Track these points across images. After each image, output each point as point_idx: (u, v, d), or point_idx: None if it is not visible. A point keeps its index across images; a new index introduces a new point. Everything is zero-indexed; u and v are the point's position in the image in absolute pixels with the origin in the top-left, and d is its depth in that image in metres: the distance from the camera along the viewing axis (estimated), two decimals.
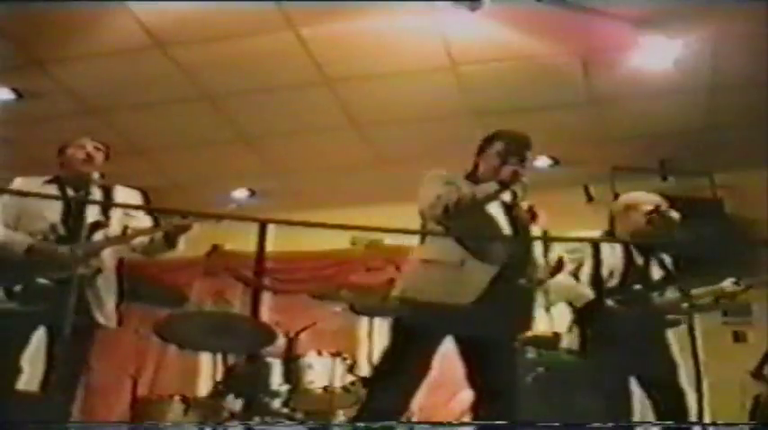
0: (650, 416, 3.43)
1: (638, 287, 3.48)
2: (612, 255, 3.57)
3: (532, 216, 3.10)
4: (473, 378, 3.00)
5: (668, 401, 3.31)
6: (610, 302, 3.45)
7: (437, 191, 3.01)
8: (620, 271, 3.53)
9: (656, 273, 3.53)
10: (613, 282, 3.51)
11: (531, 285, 3.05)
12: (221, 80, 5.26)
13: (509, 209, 3.10)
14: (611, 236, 3.72)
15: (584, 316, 3.46)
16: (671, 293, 3.51)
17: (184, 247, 3.45)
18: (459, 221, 2.99)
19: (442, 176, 3.13)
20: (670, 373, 3.34)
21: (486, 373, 2.97)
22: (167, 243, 3.40)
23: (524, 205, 3.13)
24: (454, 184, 3.06)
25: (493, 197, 3.00)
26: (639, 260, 3.58)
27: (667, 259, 3.61)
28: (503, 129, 3.27)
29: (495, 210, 3.07)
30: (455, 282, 2.93)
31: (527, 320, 3.10)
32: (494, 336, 2.91)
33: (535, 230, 3.15)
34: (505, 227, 3.06)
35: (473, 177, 3.14)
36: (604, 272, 3.52)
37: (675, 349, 3.47)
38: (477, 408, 2.99)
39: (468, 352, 3.00)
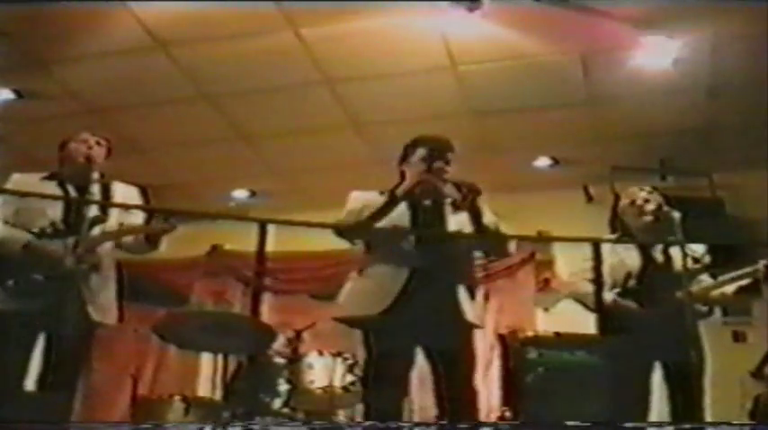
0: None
1: (661, 282, 3.45)
2: (629, 256, 3.56)
3: (458, 204, 3.11)
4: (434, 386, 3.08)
5: (688, 397, 3.29)
6: (629, 302, 3.45)
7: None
8: (637, 270, 3.52)
9: (680, 265, 3.47)
10: (632, 282, 3.50)
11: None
12: (221, 80, 5.26)
13: (418, 216, 3.16)
14: (616, 235, 3.71)
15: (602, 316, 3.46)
16: (697, 284, 3.48)
17: (176, 243, 3.47)
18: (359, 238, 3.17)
19: (361, 204, 3.21)
20: (698, 368, 3.31)
21: (440, 380, 3.04)
22: (149, 243, 3.41)
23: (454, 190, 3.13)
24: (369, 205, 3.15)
25: (384, 210, 3.10)
26: (659, 257, 3.56)
27: (697, 249, 3.57)
28: (423, 134, 3.32)
29: (401, 217, 3.13)
30: (367, 293, 3.05)
31: (457, 320, 3.11)
32: (425, 342, 3.02)
33: (460, 220, 3.16)
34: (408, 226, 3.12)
35: (396, 188, 3.21)
36: (621, 272, 3.52)
37: (706, 343, 3.46)
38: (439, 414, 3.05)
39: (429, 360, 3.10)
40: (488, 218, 3.14)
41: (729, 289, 3.47)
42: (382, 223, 3.08)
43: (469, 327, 3.15)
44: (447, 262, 3.10)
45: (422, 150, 3.19)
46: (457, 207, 3.11)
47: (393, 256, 3.06)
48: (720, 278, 3.49)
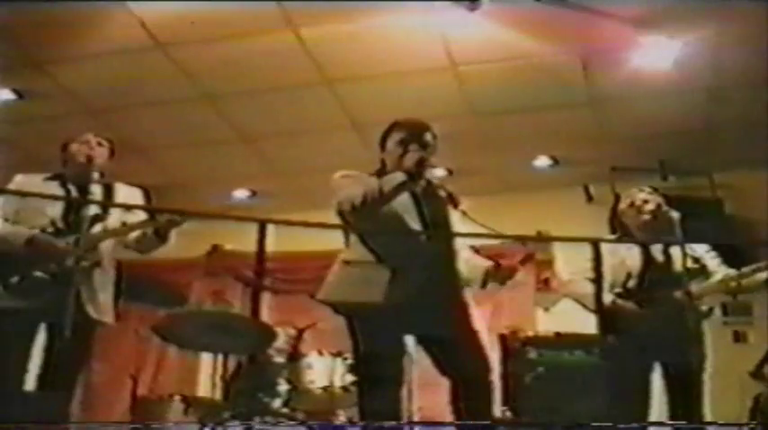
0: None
1: (662, 282, 3.45)
2: (629, 256, 3.56)
3: (453, 203, 3.03)
4: (443, 371, 3.00)
5: (688, 398, 3.29)
6: (630, 302, 3.45)
7: (359, 189, 2.95)
8: (637, 270, 3.52)
9: (680, 265, 3.40)
10: (632, 283, 3.50)
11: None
12: (221, 80, 5.26)
13: (420, 202, 3.02)
14: (615, 235, 3.71)
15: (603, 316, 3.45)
16: (698, 283, 3.48)
17: (176, 242, 3.43)
18: (367, 219, 2.97)
19: (356, 175, 3.09)
20: (698, 368, 3.30)
21: (449, 367, 2.97)
22: (158, 238, 3.39)
23: (443, 192, 3.04)
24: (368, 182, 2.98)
25: (401, 188, 2.91)
26: (660, 257, 3.56)
27: (698, 249, 3.57)
28: (400, 119, 3.20)
29: (404, 204, 2.99)
30: (367, 281, 2.91)
31: (461, 314, 3.03)
32: (441, 333, 2.91)
33: (454, 216, 3.08)
34: (415, 223, 2.99)
35: (381, 174, 3.06)
36: (622, 272, 3.52)
37: (707, 343, 3.46)
38: (454, 399, 2.96)
39: (430, 350, 3.01)
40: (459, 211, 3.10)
41: (762, 276, 3.46)
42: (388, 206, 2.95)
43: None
44: (453, 252, 3.05)
45: (397, 134, 3.13)
46: (453, 204, 3.04)
47: (405, 242, 2.99)
48: (748, 268, 3.48)
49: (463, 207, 3.07)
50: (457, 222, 3.11)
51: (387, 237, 3.02)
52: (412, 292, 2.86)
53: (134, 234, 3.43)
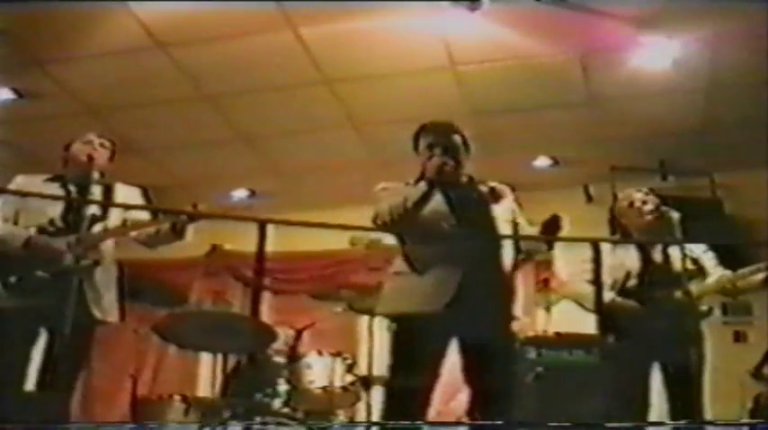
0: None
1: (661, 282, 3.45)
2: (628, 256, 3.55)
3: (495, 198, 3.04)
4: (470, 378, 2.98)
5: (687, 397, 3.28)
6: (629, 302, 3.45)
7: (387, 205, 2.95)
8: (637, 270, 3.52)
9: (679, 266, 3.40)
10: (632, 283, 3.50)
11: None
12: (221, 80, 5.26)
13: (454, 205, 3.00)
14: (614, 235, 3.72)
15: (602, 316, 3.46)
16: (696, 284, 3.48)
17: (191, 239, 3.44)
18: (400, 232, 2.97)
19: (394, 188, 3.08)
20: (697, 367, 3.30)
21: (482, 374, 2.95)
22: (175, 233, 3.39)
23: (485, 187, 3.05)
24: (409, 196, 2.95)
25: (425, 199, 2.91)
26: (659, 257, 3.56)
27: (696, 250, 3.58)
28: (429, 122, 3.17)
29: (439, 210, 2.97)
30: (422, 290, 2.89)
31: (507, 315, 3.04)
32: (483, 338, 2.88)
33: (499, 212, 3.07)
34: (453, 224, 2.96)
35: (420, 181, 3.05)
36: (621, 273, 3.52)
37: (707, 342, 3.46)
38: (473, 409, 2.97)
39: (467, 353, 2.98)
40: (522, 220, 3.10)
41: (758, 278, 3.48)
42: (424, 213, 2.94)
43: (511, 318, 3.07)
44: (494, 253, 3.02)
45: (424, 139, 3.12)
46: (495, 198, 3.04)
47: (442, 248, 2.96)
48: (744, 269, 3.50)
49: (507, 203, 3.08)
50: (501, 217, 3.08)
51: (423, 246, 3.01)
52: (457, 296, 2.84)
53: (147, 230, 3.43)
